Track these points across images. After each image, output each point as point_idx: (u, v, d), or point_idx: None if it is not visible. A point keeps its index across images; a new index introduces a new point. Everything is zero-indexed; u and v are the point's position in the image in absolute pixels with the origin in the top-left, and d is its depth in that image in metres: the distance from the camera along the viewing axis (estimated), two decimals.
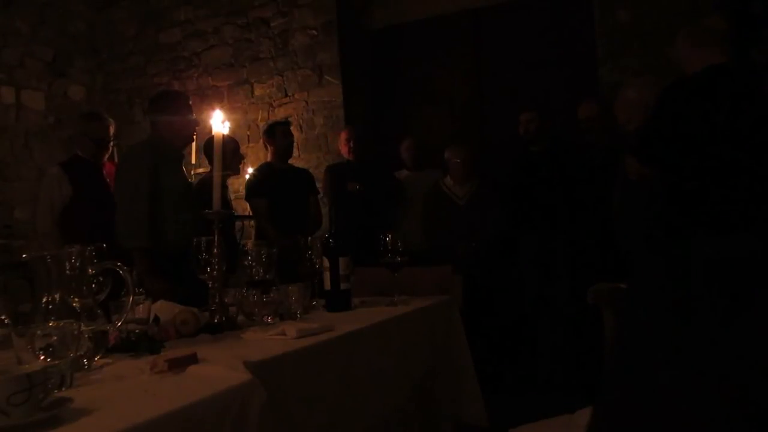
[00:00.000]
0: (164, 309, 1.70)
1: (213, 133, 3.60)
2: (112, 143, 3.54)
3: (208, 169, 3.80)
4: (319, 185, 4.12)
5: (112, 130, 3.51)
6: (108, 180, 3.45)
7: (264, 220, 3.75)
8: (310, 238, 2.36)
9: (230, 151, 3.45)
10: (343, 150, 4.19)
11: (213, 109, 4.63)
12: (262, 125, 4.66)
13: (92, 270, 1.34)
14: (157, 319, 1.65)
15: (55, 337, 1.10)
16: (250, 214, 4.12)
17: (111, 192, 3.38)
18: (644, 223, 2.87)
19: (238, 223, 4.39)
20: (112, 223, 2.77)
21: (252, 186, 3.88)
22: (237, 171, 4.08)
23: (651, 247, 2.79)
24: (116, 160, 4.42)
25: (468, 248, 3.74)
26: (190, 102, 3.09)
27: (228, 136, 3.59)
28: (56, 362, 1.01)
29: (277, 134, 3.87)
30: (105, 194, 3.36)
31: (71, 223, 3.26)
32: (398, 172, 4.32)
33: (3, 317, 1.46)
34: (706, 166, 2.23)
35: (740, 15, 3.41)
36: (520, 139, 3.87)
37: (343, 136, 4.19)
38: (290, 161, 4.02)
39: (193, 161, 4.49)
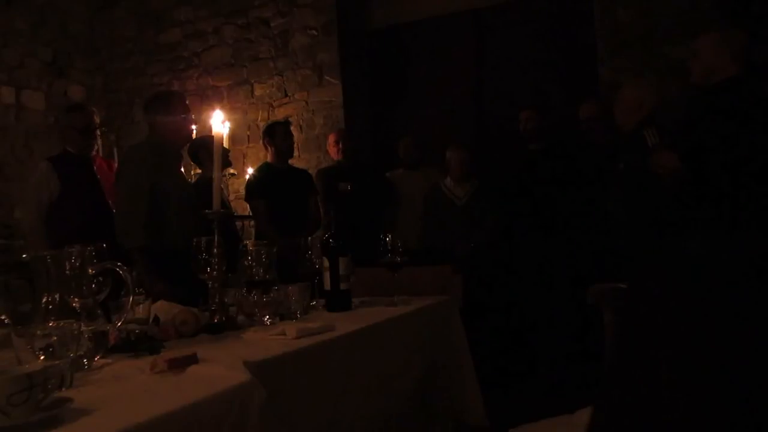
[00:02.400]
0: (164, 309, 1.70)
1: (200, 136, 3.66)
2: (98, 131, 3.49)
3: (201, 171, 3.83)
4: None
5: (96, 119, 3.47)
6: (99, 176, 3.41)
7: (264, 221, 3.74)
8: (310, 238, 2.36)
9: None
10: (332, 152, 4.21)
11: (213, 109, 4.64)
12: (262, 125, 4.66)
13: (92, 270, 1.34)
14: (157, 319, 1.65)
15: (55, 337, 1.11)
16: (250, 214, 4.12)
17: (101, 188, 3.35)
18: (643, 222, 2.87)
19: (238, 223, 4.40)
20: (101, 220, 2.76)
21: (252, 187, 3.87)
22: (229, 163, 4.13)
23: (651, 247, 2.80)
24: (115, 157, 4.43)
25: (467, 248, 3.74)
26: (186, 101, 3.08)
27: (207, 134, 3.58)
28: (56, 362, 1.01)
29: (278, 135, 3.86)
30: (95, 190, 3.32)
31: (60, 220, 3.21)
32: (394, 171, 4.30)
33: (3, 317, 1.46)
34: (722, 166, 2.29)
35: (740, 15, 3.42)
36: (519, 138, 3.88)
37: (332, 138, 4.23)
38: (290, 161, 4.02)
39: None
